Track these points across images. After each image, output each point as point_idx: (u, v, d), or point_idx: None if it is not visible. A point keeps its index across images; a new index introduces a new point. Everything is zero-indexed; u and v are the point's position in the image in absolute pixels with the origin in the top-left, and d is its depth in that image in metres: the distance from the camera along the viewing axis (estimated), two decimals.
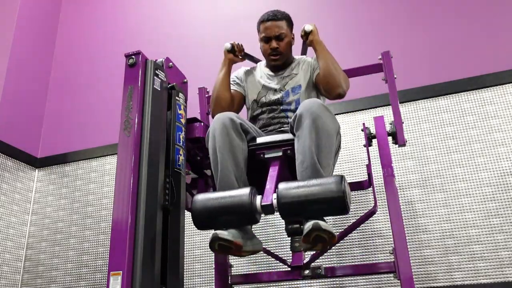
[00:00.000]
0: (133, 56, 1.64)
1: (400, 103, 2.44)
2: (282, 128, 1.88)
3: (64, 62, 3.49)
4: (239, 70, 2.10)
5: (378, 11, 2.78)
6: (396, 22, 2.72)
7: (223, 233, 1.40)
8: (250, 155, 1.67)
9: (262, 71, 2.05)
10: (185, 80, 1.91)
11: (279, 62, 1.97)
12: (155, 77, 1.66)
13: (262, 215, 1.46)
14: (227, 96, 1.93)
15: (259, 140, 1.70)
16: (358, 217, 2.33)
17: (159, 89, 1.67)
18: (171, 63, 1.82)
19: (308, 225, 1.35)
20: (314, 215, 1.39)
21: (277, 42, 1.93)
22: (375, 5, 2.80)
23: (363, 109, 2.53)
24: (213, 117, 1.93)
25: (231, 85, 1.99)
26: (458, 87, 2.43)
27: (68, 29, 3.60)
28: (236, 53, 1.99)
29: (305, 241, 1.38)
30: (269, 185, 1.50)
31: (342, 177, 1.36)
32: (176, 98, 1.74)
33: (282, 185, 1.41)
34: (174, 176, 1.62)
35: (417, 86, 2.50)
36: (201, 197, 1.48)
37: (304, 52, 2.15)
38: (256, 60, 2.16)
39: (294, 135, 1.62)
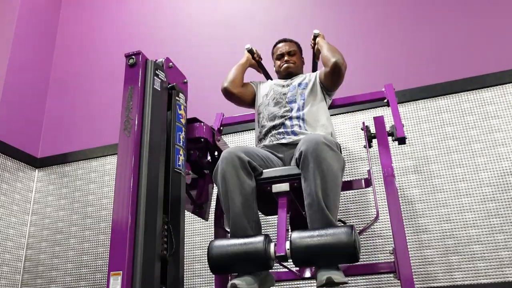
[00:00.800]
0: (133, 56, 1.64)
1: (400, 103, 2.45)
2: (283, 140, 1.93)
3: (64, 62, 3.49)
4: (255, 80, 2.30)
5: (378, 11, 2.78)
6: (397, 22, 2.72)
7: (240, 284, 1.46)
8: (257, 187, 1.70)
9: (273, 82, 2.23)
10: (185, 80, 1.90)
11: (291, 66, 2.18)
12: (155, 77, 1.66)
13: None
14: (240, 78, 2.18)
15: (266, 173, 1.72)
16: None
17: (159, 89, 1.67)
18: (171, 63, 1.82)
19: (322, 279, 1.40)
20: (326, 263, 1.46)
21: (289, 56, 2.20)
22: (375, 5, 2.80)
23: (363, 109, 2.54)
24: (222, 91, 2.16)
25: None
26: (458, 87, 2.43)
27: (68, 29, 3.61)
28: (254, 55, 2.27)
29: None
30: (281, 231, 1.55)
31: (352, 228, 1.43)
32: (176, 98, 1.74)
33: (295, 235, 1.48)
34: (174, 176, 1.62)
35: (417, 86, 2.50)
36: (217, 243, 1.55)
37: (314, 69, 2.31)
38: (267, 75, 2.35)
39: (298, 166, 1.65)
